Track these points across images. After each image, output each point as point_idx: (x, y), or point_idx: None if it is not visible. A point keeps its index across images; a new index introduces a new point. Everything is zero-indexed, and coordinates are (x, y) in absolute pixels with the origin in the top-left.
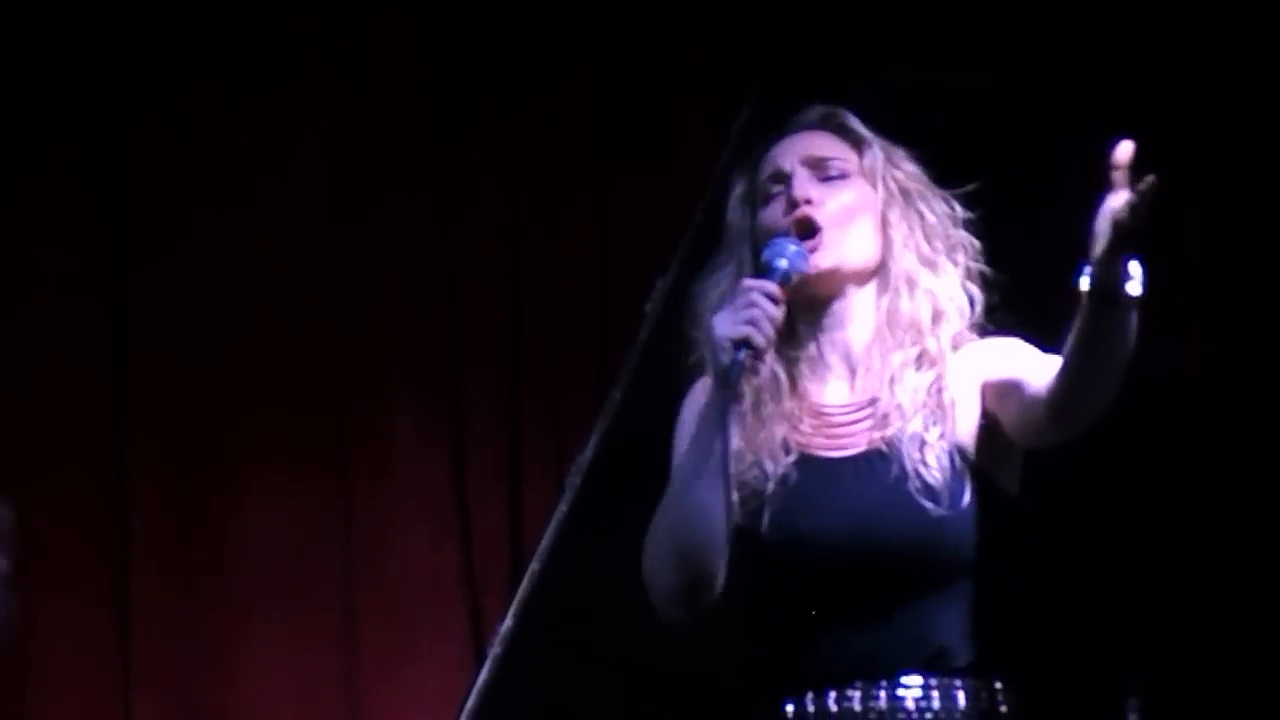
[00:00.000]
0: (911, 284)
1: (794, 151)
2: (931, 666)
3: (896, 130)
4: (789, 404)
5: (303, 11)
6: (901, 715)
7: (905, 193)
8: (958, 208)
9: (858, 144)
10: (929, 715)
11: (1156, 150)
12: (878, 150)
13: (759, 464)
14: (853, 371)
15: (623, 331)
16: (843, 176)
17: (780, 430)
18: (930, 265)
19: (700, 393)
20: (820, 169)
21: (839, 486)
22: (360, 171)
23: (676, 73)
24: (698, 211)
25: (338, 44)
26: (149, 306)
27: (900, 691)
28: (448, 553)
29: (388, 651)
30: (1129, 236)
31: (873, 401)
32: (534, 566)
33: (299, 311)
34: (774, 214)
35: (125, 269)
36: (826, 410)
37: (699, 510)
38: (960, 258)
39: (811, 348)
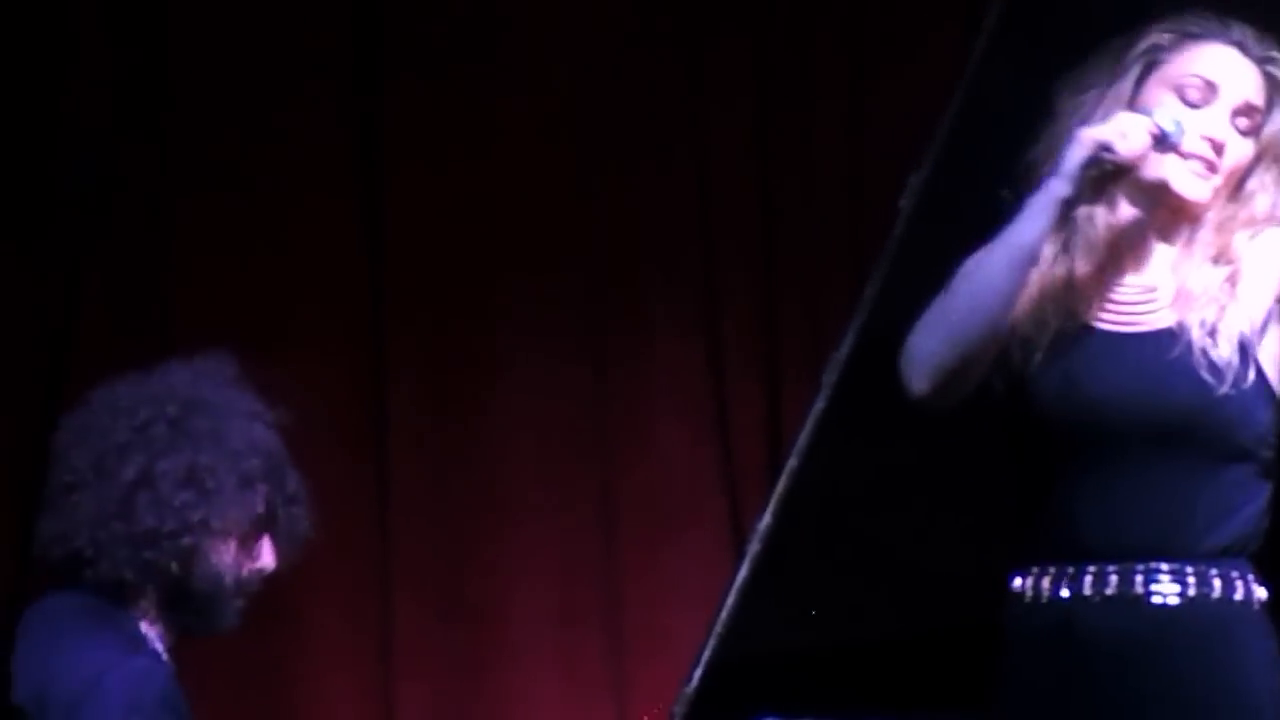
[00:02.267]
0: (1235, 215)
1: (1234, 82)
2: (1189, 553)
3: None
4: (1084, 268)
5: None
6: (1155, 599)
7: (1277, 159)
8: None
9: (1271, 102)
10: (1180, 600)
11: None
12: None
13: (1046, 323)
14: (1151, 257)
15: (878, 227)
16: (1249, 134)
17: (1067, 294)
18: (1266, 207)
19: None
20: (1241, 118)
21: (1119, 357)
22: (612, 66)
23: None
24: (951, 106)
25: None
26: (402, 198)
27: (1156, 575)
28: (706, 447)
29: (646, 545)
30: None
31: (1162, 287)
32: (792, 463)
33: (554, 205)
34: (1186, 116)
35: (379, 170)
36: (1120, 287)
37: (996, 298)
38: None
39: (1124, 221)
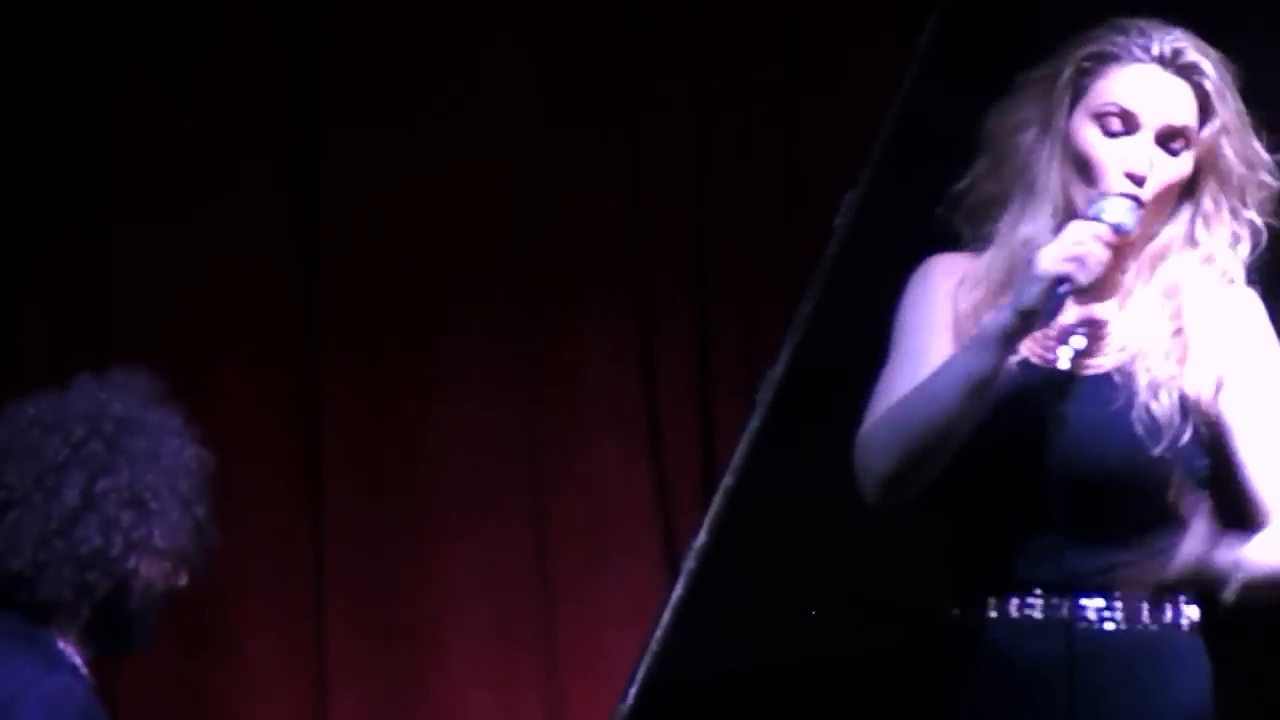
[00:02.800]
0: (1193, 243)
1: (1154, 107)
2: (1119, 586)
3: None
4: None
5: None
6: (1083, 624)
7: (1228, 171)
8: (1273, 178)
9: (1205, 108)
10: (1109, 625)
11: None
12: (1220, 120)
13: None
14: (1100, 294)
15: (812, 246)
16: (1179, 153)
17: None
18: (1225, 238)
19: (935, 264)
20: (1168, 143)
21: (1065, 402)
22: (546, 90)
23: None
24: (887, 123)
25: None
26: (337, 223)
27: (1083, 601)
28: (640, 467)
29: (580, 567)
30: None
31: (1110, 327)
32: (727, 481)
33: (488, 227)
34: (1105, 153)
35: (315, 185)
36: (1065, 322)
37: (949, 423)
38: (1260, 234)
39: None
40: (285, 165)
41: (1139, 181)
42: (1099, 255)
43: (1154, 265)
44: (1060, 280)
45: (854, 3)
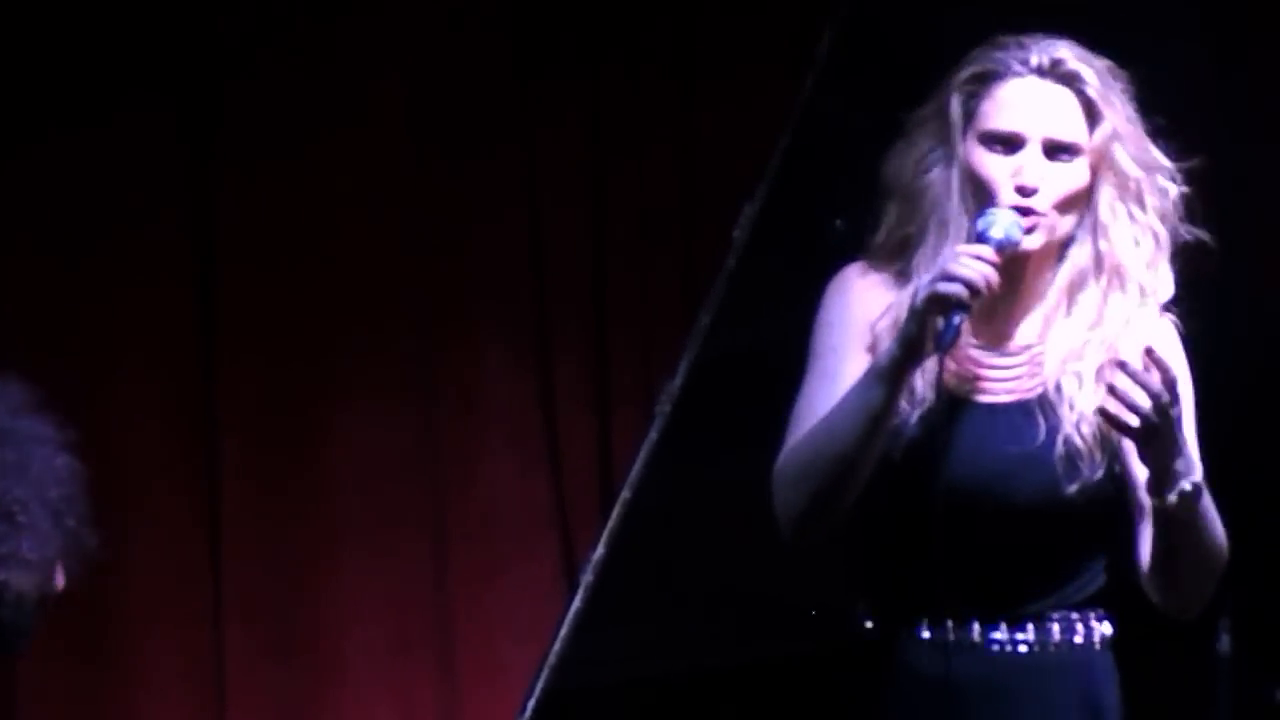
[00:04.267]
0: (1099, 260)
1: (1036, 121)
2: (1034, 609)
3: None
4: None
5: None
6: (994, 647)
7: (1123, 176)
8: (1174, 183)
9: (1092, 114)
10: (1022, 649)
11: None
12: (1110, 125)
13: (908, 392)
14: (1018, 320)
15: (709, 257)
16: (1071, 160)
17: (934, 364)
18: (1127, 243)
19: (854, 278)
20: (1054, 152)
21: (981, 434)
22: (444, 102)
23: None
24: (784, 135)
25: None
26: (235, 234)
27: (995, 627)
28: (537, 480)
29: (477, 578)
30: (1140, 443)
31: (1031, 355)
32: (625, 494)
33: (383, 239)
34: (996, 171)
35: (211, 197)
36: (983, 354)
37: (849, 460)
38: (1161, 239)
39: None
40: (181, 178)
41: (1028, 193)
42: (982, 273)
43: (1072, 295)
44: (951, 306)
45: (750, 15)
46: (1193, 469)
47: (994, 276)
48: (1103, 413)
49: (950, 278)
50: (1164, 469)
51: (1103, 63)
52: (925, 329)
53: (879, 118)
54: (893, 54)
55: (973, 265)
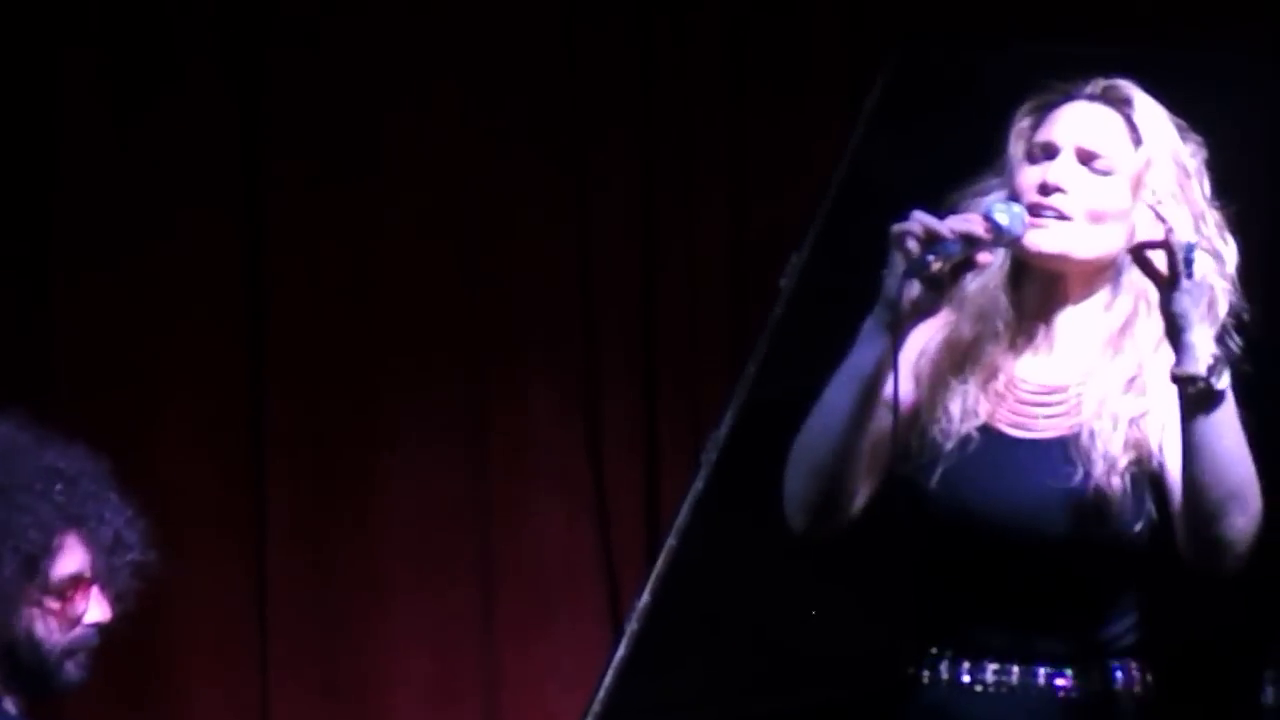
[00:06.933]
0: (1146, 300)
1: (1072, 131)
2: (1074, 653)
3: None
4: (989, 368)
5: None
6: (1035, 691)
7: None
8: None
9: (1136, 137)
10: (1062, 694)
11: None
12: (1151, 153)
13: (946, 420)
14: (1062, 355)
15: (758, 305)
16: (1107, 173)
17: (974, 393)
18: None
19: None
20: (1088, 161)
21: (1016, 469)
22: (497, 150)
23: (811, 47)
24: (832, 185)
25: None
26: (285, 283)
27: (1036, 668)
28: (584, 528)
29: (525, 627)
30: (1168, 318)
31: (1071, 391)
32: (671, 542)
33: (434, 287)
34: (1029, 180)
35: (261, 247)
36: (1024, 386)
37: (845, 429)
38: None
39: (1031, 318)
40: (231, 219)
41: (1049, 190)
42: (952, 226)
43: (1118, 344)
44: (924, 243)
45: (802, 61)
46: (1210, 352)
47: (964, 230)
48: (1133, 252)
49: (923, 224)
50: (1181, 338)
51: (1175, 119)
52: (904, 288)
53: (927, 166)
54: (944, 103)
55: (957, 223)
